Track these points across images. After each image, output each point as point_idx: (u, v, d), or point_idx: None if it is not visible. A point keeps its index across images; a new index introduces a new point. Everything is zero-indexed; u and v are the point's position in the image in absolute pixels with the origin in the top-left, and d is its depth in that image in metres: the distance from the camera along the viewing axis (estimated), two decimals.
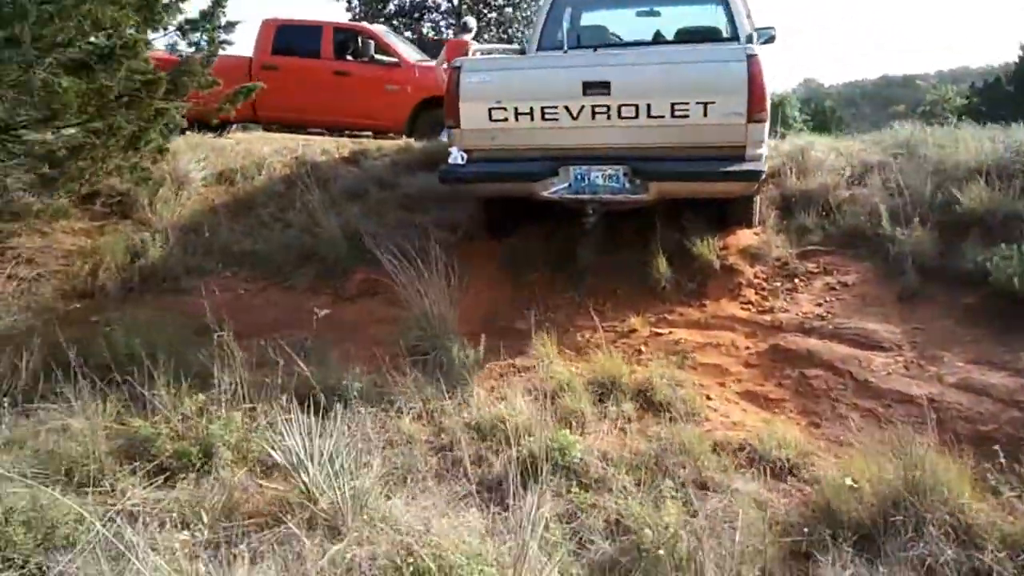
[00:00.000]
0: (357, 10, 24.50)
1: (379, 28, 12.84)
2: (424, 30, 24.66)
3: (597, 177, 4.75)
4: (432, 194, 6.53)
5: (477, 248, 5.77)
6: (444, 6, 25.26)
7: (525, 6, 24.72)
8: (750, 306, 4.80)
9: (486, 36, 24.94)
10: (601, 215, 5.21)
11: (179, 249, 5.72)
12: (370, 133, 10.52)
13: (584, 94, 4.60)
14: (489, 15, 24.77)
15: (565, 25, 6.70)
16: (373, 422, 3.52)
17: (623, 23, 7.31)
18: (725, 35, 6.35)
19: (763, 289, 4.94)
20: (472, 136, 4.89)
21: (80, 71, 5.17)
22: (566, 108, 4.65)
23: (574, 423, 3.62)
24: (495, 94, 4.76)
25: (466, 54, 10.24)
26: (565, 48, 5.96)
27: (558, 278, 5.41)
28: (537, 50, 6.55)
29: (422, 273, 4.64)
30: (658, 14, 7.22)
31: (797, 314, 4.60)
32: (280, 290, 5.53)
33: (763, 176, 4.57)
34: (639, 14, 7.25)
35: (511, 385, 4.15)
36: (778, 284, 4.98)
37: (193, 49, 5.86)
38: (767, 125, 4.48)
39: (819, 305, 4.70)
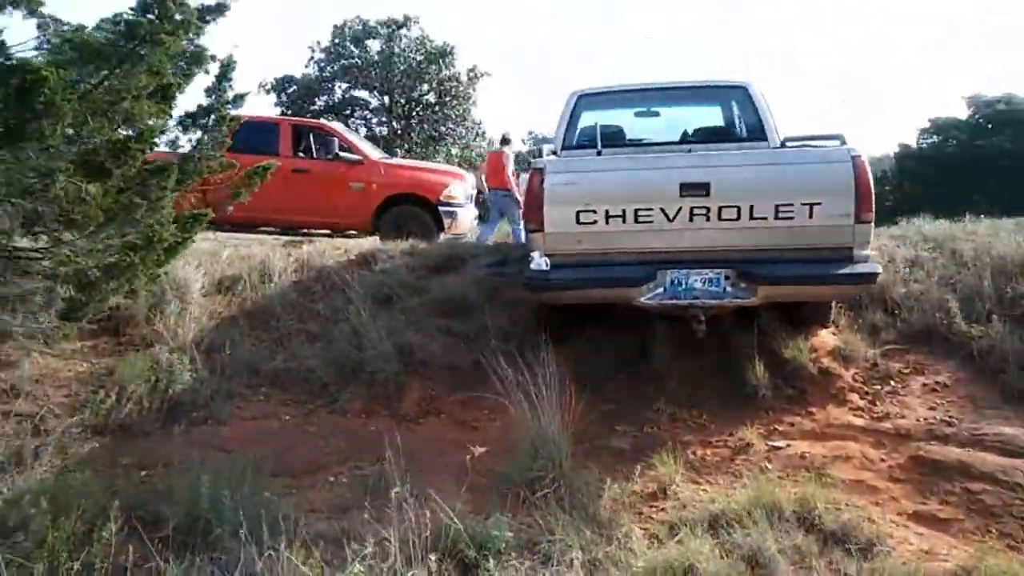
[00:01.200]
0: (286, 105, 24.21)
1: (338, 125, 12.61)
2: (354, 127, 24.55)
3: (695, 281, 4.49)
4: (464, 299, 6.10)
5: (540, 357, 5.34)
6: (374, 104, 25.33)
7: (455, 103, 25.09)
8: (861, 412, 4.57)
9: (415, 134, 25.12)
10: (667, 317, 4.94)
11: (205, 372, 5.00)
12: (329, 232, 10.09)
13: (681, 195, 4.38)
14: (421, 112, 24.98)
15: (595, 126, 6.63)
16: None
17: (634, 123, 7.28)
18: (751, 135, 6.38)
19: (866, 393, 4.74)
20: (557, 240, 4.55)
21: (95, 173, 4.55)
22: (662, 210, 4.41)
23: (759, 564, 3.19)
24: (583, 197, 4.48)
25: (504, 165, 10.31)
26: (599, 149, 5.80)
27: (637, 386, 5.04)
28: (563, 151, 6.37)
29: (518, 389, 4.18)
30: (658, 114, 7.23)
31: (918, 420, 4.40)
32: (328, 414, 4.89)
33: (878, 277, 4.42)
34: (638, 115, 7.22)
35: (649, 519, 3.70)
36: (878, 387, 4.80)
37: (200, 133, 5.24)
38: (872, 226, 4.37)
39: (932, 409, 4.52)
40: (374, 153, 10.87)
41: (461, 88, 24.87)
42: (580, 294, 4.53)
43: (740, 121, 6.60)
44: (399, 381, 5.09)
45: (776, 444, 4.35)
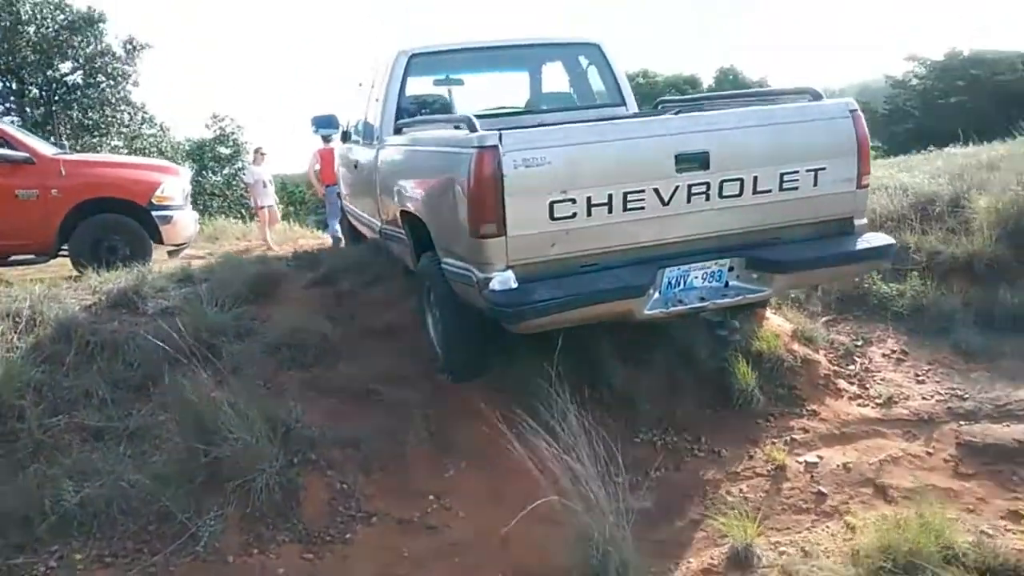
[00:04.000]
0: None
1: None
2: None
3: (695, 278, 3.52)
4: (321, 338, 4.42)
5: (466, 400, 3.98)
6: None
7: (110, 84, 20.89)
8: (862, 400, 4.03)
9: (60, 124, 20.49)
10: None
11: None
12: None
13: (677, 170, 3.36)
14: (67, 96, 20.35)
15: (447, 94, 5.37)
16: None
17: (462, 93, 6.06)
18: (606, 101, 5.59)
19: (849, 377, 4.23)
20: (524, 245, 3.25)
21: None
22: (655, 191, 3.35)
23: None
24: (559, 181, 3.23)
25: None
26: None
27: (604, 418, 3.93)
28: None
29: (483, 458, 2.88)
30: (461, 83, 6.11)
31: (924, 398, 3.98)
32: (194, 562, 3.03)
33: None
34: (437, 83, 6.01)
35: None
36: (851, 367, 4.32)
37: None
38: (868, 190, 3.79)
39: (921, 382, 4.16)
40: (46, 148, 8.08)
41: (116, 65, 20.63)
42: (569, 316, 3.26)
43: (594, 85, 5.75)
44: (287, 480, 3.36)
45: (808, 459, 3.61)
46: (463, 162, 3.27)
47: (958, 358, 4.35)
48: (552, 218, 3.24)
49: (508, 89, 6.44)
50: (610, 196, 3.29)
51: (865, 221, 3.77)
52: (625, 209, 3.32)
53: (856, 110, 3.62)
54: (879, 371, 4.28)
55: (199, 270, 5.47)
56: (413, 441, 3.74)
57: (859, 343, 4.54)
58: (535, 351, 4.16)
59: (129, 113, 21.28)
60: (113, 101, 20.64)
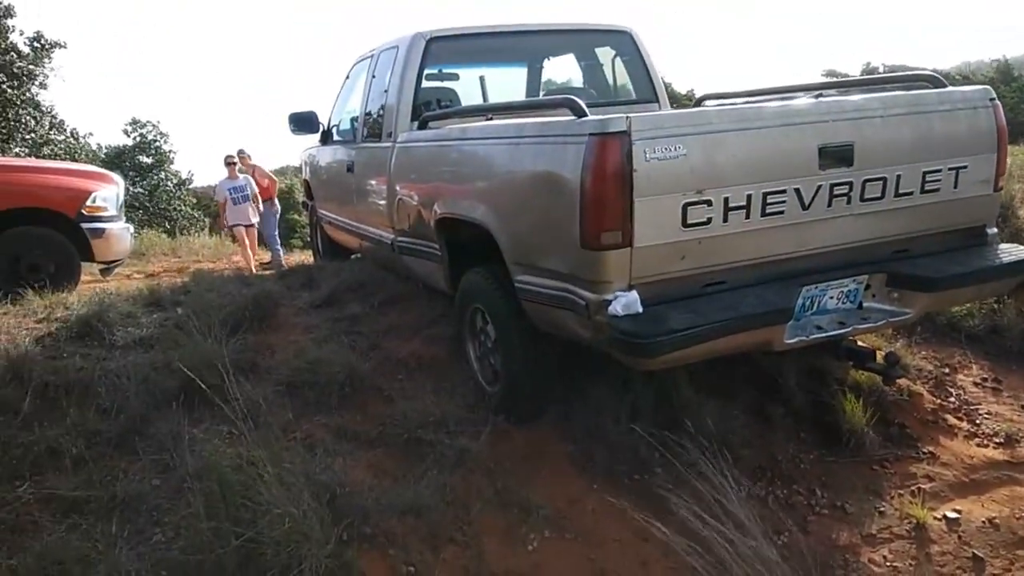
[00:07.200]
0: None
1: None
2: None
3: (830, 298, 2.96)
4: (348, 379, 3.62)
5: (533, 448, 3.29)
6: None
7: (15, 85, 18.97)
8: (980, 439, 3.54)
9: None
10: None
11: None
12: None
13: (820, 167, 2.81)
14: None
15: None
16: None
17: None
18: (635, 97, 5.07)
19: (956, 411, 3.75)
20: (650, 259, 2.61)
21: None
22: (796, 192, 2.79)
23: None
24: (694, 178, 2.61)
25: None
26: (489, 116, 3.98)
27: (696, 464, 3.31)
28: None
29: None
30: (457, 77, 5.47)
31: None
32: None
33: None
34: (429, 78, 5.35)
35: None
36: (951, 399, 3.85)
37: None
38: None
39: None
40: None
41: (21, 64, 18.80)
42: (705, 348, 2.63)
43: (620, 78, 5.21)
44: (341, 564, 2.57)
45: (947, 514, 3.08)
46: (571, 153, 2.61)
47: None
48: (685, 224, 2.62)
49: (503, 86, 5.81)
50: (749, 197, 2.70)
51: (995, 230, 3.32)
52: (763, 214, 2.74)
53: (995, 99, 3.17)
54: (979, 403, 3.83)
55: (168, 291, 4.56)
56: (479, 504, 3.02)
57: (945, 370, 4.09)
58: (600, 384, 3.52)
59: (35, 117, 19.41)
60: (17, 103, 18.75)
